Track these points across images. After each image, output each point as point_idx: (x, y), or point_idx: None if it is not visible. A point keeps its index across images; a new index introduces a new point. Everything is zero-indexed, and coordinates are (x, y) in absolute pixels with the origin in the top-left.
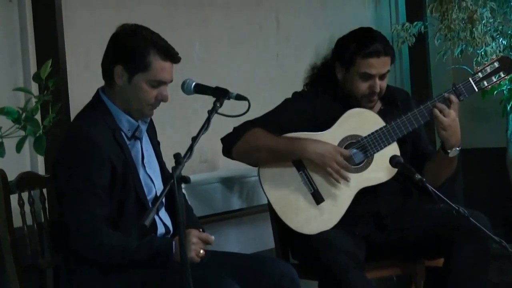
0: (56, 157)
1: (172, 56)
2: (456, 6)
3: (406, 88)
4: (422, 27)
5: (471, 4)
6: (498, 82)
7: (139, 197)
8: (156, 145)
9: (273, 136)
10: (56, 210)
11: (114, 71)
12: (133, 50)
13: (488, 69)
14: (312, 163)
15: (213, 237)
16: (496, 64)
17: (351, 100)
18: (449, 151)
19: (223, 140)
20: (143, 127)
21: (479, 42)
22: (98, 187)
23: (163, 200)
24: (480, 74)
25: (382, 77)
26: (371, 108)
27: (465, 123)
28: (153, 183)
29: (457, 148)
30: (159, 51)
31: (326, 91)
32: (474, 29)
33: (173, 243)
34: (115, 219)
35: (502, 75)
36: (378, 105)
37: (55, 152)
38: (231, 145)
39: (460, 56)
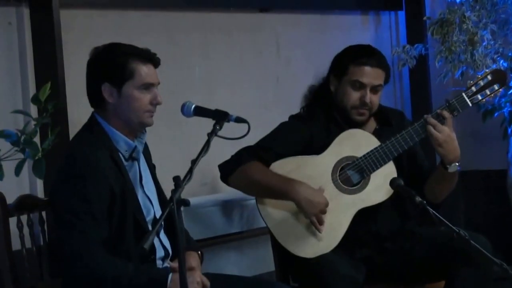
0: (54, 179)
1: (151, 58)
2: (457, 28)
3: (407, 110)
4: (423, 49)
5: (471, 26)
6: (492, 95)
7: (137, 219)
8: (152, 167)
9: (269, 173)
10: (54, 233)
11: (102, 90)
12: (114, 64)
13: (481, 83)
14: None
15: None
16: (489, 77)
17: (345, 118)
18: (448, 166)
19: (220, 167)
20: (140, 148)
21: (479, 64)
22: (96, 209)
23: (162, 222)
24: (473, 88)
25: (374, 91)
26: (362, 123)
27: (466, 144)
28: (151, 204)
29: (456, 164)
30: (138, 57)
31: (322, 112)
32: (474, 51)
33: (169, 276)
34: (113, 243)
35: (496, 88)
36: (373, 125)
37: (54, 174)
38: (227, 174)
39: (461, 78)
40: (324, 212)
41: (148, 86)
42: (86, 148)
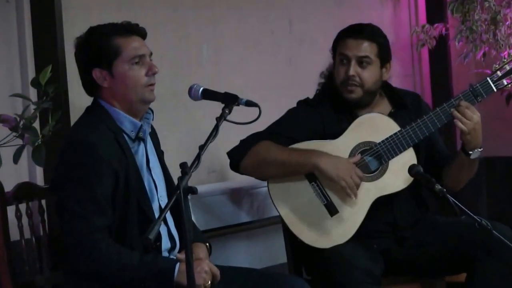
0: (55, 165)
1: (134, 29)
2: (479, 6)
3: (427, 93)
4: (443, 29)
5: (494, 4)
6: None
7: (141, 205)
8: (160, 153)
9: (283, 148)
10: (56, 223)
11: (94, 77)
12: (97, 47)
13: (507, 67)
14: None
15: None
16: None
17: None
18: (470, 152)
19: (229, 154)
20: (146, 128)
21: (502, 45)
22: (99, 196)
23: (169, 211)
24: (498, 73)
25: (360, 63)
26: (352, 98)
27: (489, 129)
28: (156, 189)
29: (479, 150)
30: (119, 32)
31: (330, 97)
32: (497, 30)
33: (176, 267)
34: (117, 230)
35: None
36: (388, 108)
37: (56, 161)
38: (238, 159)
39: (483, 59)
40: (355, 178)
41: (138, 59)
42: (88, 132)
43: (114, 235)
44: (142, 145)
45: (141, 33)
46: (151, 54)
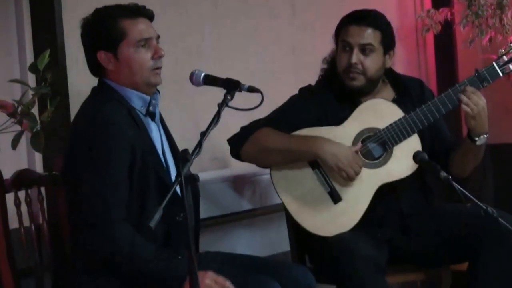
0: (69, 145)
1: (141, 11)
2: None
3: (432, 79)
4: (449, 13)
5: None
6: None
7: (160, 177)
8: (171, 138)
9: (284, 135)
10: (55, 211)
11: (99, 59)
12: (102, 29)
13: None
14: None
15: (229, 283)
16: None
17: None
18: (476, 139)
19: (230, 141)
20: (156, 104)
21: (509, 30)
22: (117, 172)
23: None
24: (505, 58)
25: (364, 52)
26: (354, 86)
27: (495, 116)
28: (168, 171)
29: (485, 135)
30: (126, 14)
31: (333, 83)
32: (503, 15)
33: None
34: (137, 205)
35: None
36: (391, 94)
37: (68, 141)
38: (239, 147)
39: (489, 44)
40: (352, 165)
41: (144, 42)
42: (104, 109)
43: (135, 210)
44: (153, 123)
45: (148, 15)
46: (158, 37)
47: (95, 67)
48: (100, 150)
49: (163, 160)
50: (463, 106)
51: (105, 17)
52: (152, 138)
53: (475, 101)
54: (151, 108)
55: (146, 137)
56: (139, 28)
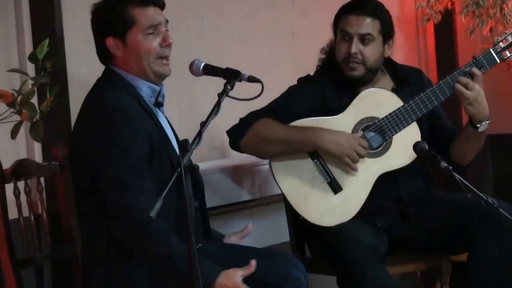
0: (78, 134)
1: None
2: None
3: (432, 68)
4: (449, 3)
5: None
6: None
7: (173, 162)
8: (172, 127)
9: (284, 126)
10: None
11: (108, 45)
12: (113, 16)
13: (510, 39)
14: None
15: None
16: None
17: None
18: (478, 125)
19: (229, 132)
20: (165, 94)
21: (509, 19)
22: (137, 159)
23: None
24: (501, 44)
25: (364, 41)
26: (354, 76)
27: (495, 106)
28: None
29: (487, 122)
30: (136, 2)
31: (332, 73)
32: (504, 5)
33: (219, 276)
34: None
35: None
36: (390, 84)
37: (75, 132)
38: (238, 138)
39: (489, 34)
40: (361, 153)
41: (153, 29)
42: (114, 96)
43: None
44: (161, 113)
45: (159, 3)
46: (167, 22)
47: (103, 53)
48: (119, 140)
49: (176, 149)
50: (458, 93)
51: (115, 3)
52: (163, 127)
53: (471, 87)
54: (159, 99)
55: (159, 126)
56: (148, 15)
